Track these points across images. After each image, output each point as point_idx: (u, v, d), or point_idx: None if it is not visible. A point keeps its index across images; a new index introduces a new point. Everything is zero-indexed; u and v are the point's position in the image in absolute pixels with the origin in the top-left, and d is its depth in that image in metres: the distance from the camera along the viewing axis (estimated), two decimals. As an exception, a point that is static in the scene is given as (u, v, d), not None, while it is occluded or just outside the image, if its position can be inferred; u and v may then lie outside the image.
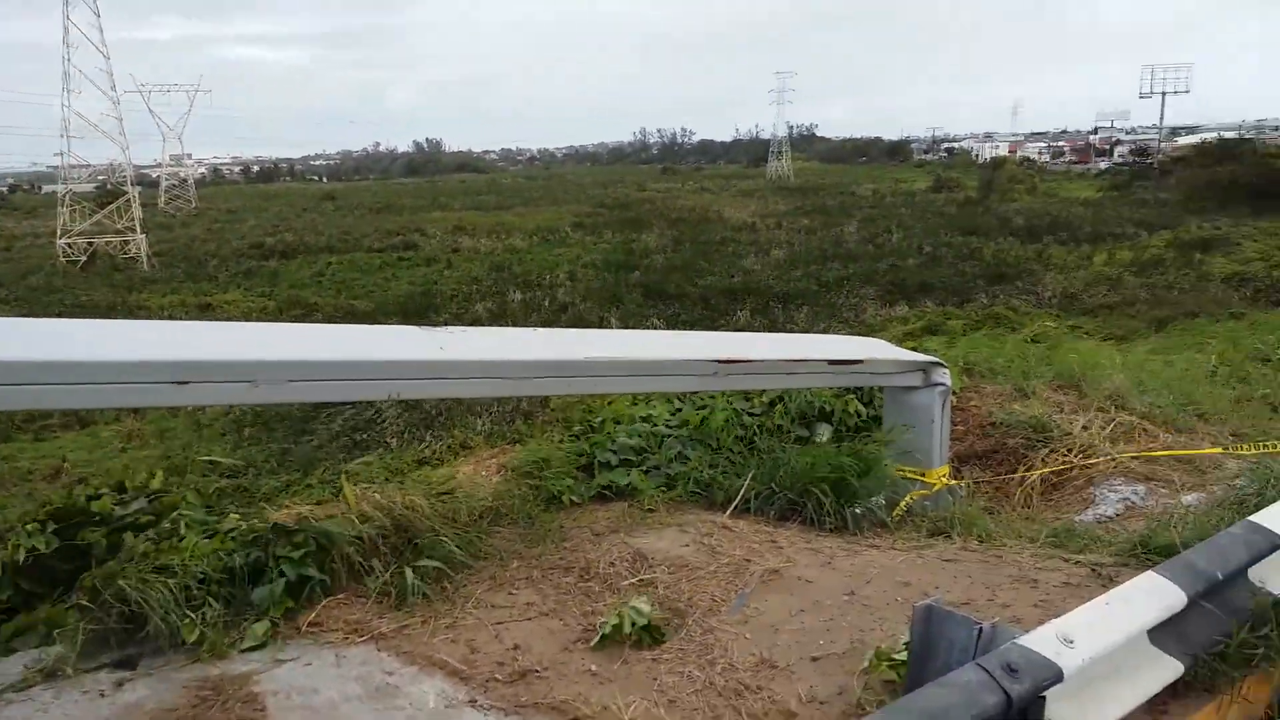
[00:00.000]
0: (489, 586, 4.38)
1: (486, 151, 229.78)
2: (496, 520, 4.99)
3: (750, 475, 5.53)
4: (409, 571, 4.26)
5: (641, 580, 4.44)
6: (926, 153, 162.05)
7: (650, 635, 3.99)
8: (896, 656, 3.57)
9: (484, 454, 6.40)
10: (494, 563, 4.61)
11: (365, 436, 15.60)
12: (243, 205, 74.97)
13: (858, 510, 5.52)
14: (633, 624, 3.89)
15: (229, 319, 27.29)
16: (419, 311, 27.21)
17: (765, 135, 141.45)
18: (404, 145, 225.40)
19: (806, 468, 5.46)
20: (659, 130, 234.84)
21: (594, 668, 3.81)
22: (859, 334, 10.47)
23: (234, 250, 45.14)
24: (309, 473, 9.96)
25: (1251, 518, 4.19)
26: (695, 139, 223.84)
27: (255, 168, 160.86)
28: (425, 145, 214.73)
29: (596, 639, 3.97)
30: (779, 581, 4.53)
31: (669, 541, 4.86)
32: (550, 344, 5.08)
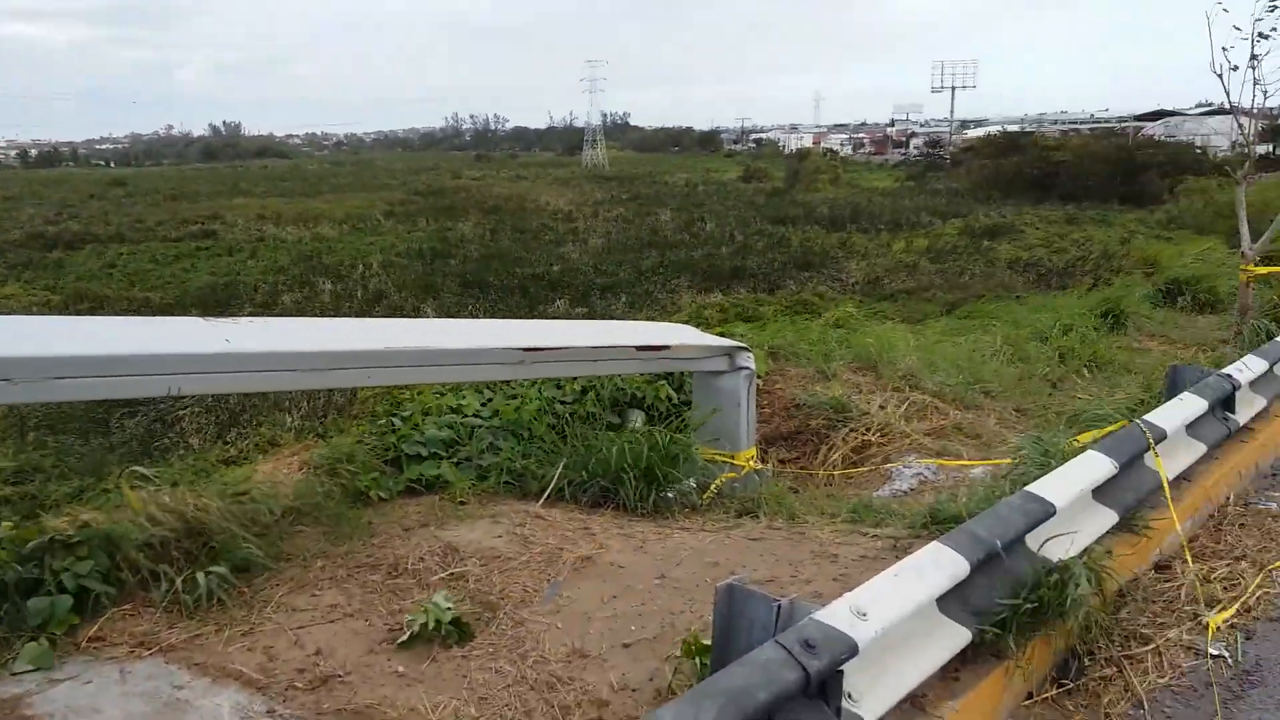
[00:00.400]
0: (290, 589, 4.19)
1: (290, 136, 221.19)
2: (299, 519, 4.79)
3: (563, 464, 5.51)
4: (202, 577, 4.02)
5: (452, 574, 4.35)
6: (736, 143, 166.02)
7: (460, 631, 3.91)
8: (705, 640, 3.62)
9: (287, 451, 6.13)
10: (296, 564, 4.41)
11: (166, 437, 14.73)
12: (20, 192, 69.32)
13: (670, 494, 5.59)
14: (438, 621, 3.81)
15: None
16: (220, 304, 25.87)
17: (579, 123, 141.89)
18: (199, 129, 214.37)
19: (618, 454, 5.48)
20: (472, 116, 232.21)
21: (401, 668, 3.71)
22: (679, 321, 10.64)
23: (11, 241, 41.64)
24: (102, 477, 9.31)
25: (1028, 487, 4.46)
26: (509, 126, 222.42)
27: (33, 151, 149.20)
28: (223, 129, 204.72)
29: (405, 638, 3.86)
30: (592, 568, 4.53)
31: (481, 533, 4.79)
32: (347, 334, 4.90)
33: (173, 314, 23.32)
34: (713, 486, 5.79)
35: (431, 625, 3.83)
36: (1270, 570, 5.17)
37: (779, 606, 3.23)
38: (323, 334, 4.84)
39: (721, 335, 7.52)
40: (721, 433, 6.13)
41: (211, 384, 4.18)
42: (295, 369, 4.24)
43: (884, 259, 31.82)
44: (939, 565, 3.69)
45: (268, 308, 25.80)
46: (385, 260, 34.36)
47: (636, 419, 6.91)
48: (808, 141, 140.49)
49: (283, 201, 57.08)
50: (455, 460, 5.78)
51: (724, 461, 6.06)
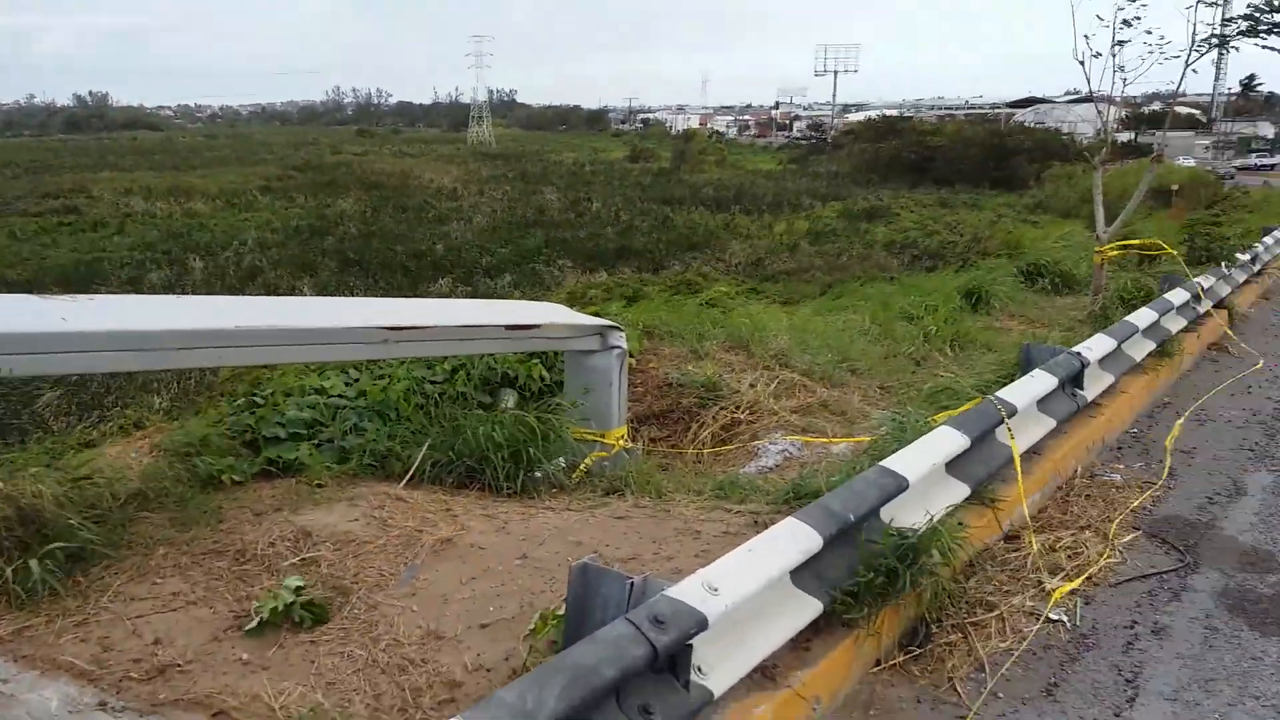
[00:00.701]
0: (130, 577, 4.03)
1: (161, 108, 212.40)
2: (144, 505, 4.61)
3: (427, 444, 5.43)
4: (35, 565, 3.84)
5: (304, 559, 4.25)
6: (624, 123, 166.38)
7: (312, 615, 3.83)
8: (561, 615, 3.61)
9: (138, 435, 5.89)
10: (138, 552, 4.25)
11: (21, 419, 14.01)
12: None
13: (538, 474, 5.57)
14: (286, 605, 3.72)
15: None
16: (83, 281, 24.72)
17: (465, 100, 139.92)
18: (63, 98, 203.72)
19: (485, 434, 5.43)
20: (354, 90, 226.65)
21: (246, 656, 3.61)
22: (563, 301, 10.61)
23: None
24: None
25: (882, 462, 4.59)
26: (393, 101, 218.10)
27: None
28: (89, 99, 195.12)
29: (252, 625, 3.76)
30: (451, 550, 4.48)
31: (337, 517, 4.69)
32: (199, 313, 4.72)
33: (29, 293, 22.16)
34: (582, 466, 5.79)
35: (281, 610, 3.74)
36: (1112, 539, 5.44)
37: (631, 584, 3.25)
38: (172, 312, 4.65)
39: (597, 315, 7.51)
40: (593, 412, 6.13)
41: (47, 365, 3.98)
42: (140, 349, 4.06)
43: (766, 240, 32.28)
44: (793, 539, 3.76)
45: (134, 286, 24.79)
46: (261, 237, 33.34)
47: (509, 399, 6.86)
48: (695, 122, 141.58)
49: (153, 175, 54.81)
50: (317, 442, 5.64)
51: (594, 440, 6.07)
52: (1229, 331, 10.71)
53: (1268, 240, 17.20)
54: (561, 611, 3.68)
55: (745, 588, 3.37)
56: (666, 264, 29.09)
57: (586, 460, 5.85)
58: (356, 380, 6.47)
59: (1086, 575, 4.98)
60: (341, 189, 47.59)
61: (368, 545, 4.41)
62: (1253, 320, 12.64)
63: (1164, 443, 7.19)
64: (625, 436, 6.31)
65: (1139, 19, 10.59)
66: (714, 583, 3.26)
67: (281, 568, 4.10)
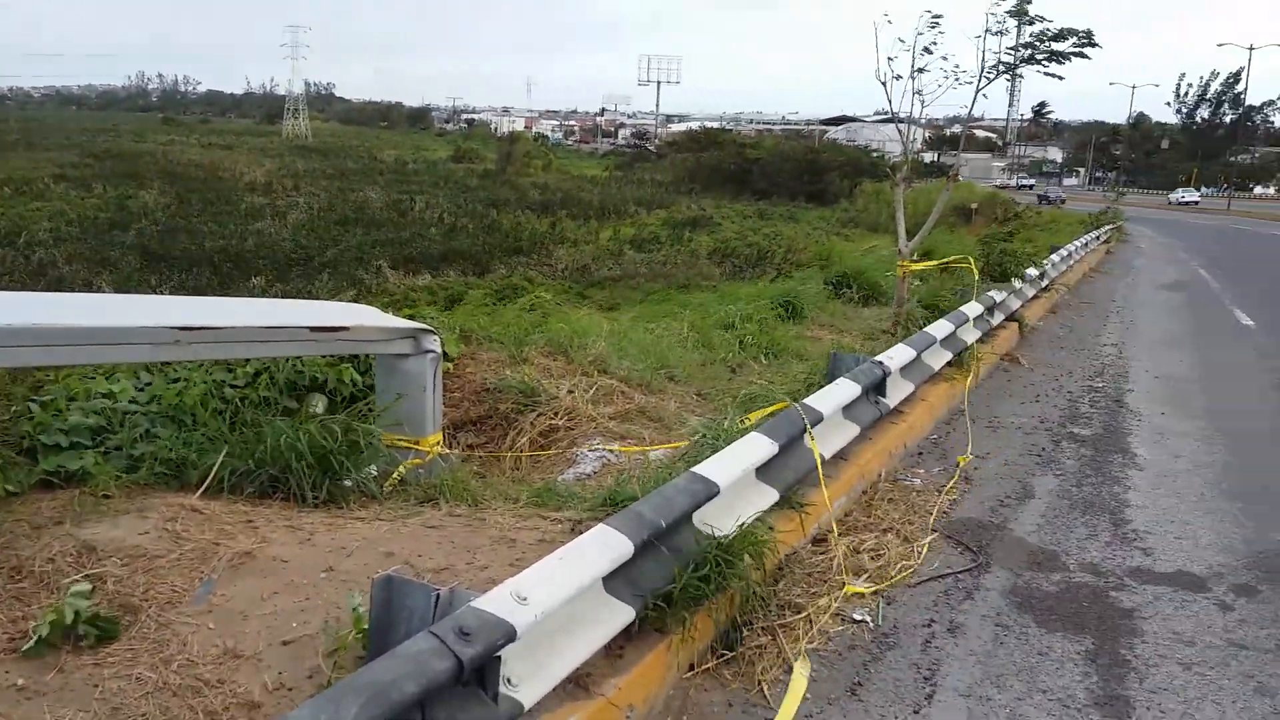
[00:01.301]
0: (-120, 603, 3.64)
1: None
2: (-100, 521, 4.18)
3: (225, 452, 5.14)
4: None
5: (88, 576, 3.94)
6: (448, 122, 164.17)
7: (99, 630, 3.55)
8: (360, 630, 3.48)
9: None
10: (-109, 574, 3.84)
11: None
12: None
13: (347, 483, 5.36)
14: (67, 625, 3.44)
15: None
16: None
17: (280, 91, 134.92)
18: None
19: (288, 441, 5.18)
20: (160, 76, 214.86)
21: (21, 681, 3.31)
22: (382, 303, 10.24)
23: None
24: None
25: (694, 468, 4.63)
26: (201, 89, 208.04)
27: None
28: None
29: (30, 644, 3.45)
30: (252, 564, 4.25)
31: (125, 530, 4.37)
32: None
33: None
34: (394, 474, 5.61)
35: (63, 625, 3.45)
36: (912, 541, 5.68)
37: (437, 595, 3.16)
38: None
39: (414, 318, 7.32)
40: (406, 417, 5.95)
41: None
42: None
43: (592, 246, 32.36)
44: (604, 546, 3.75)
45: (-99, 280, 22.64)
46: (54, 229, 31.04)
47: (317, 404, 6.59)
48: (520, 125, 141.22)
49: (-73, 159, 50.30)
50: (103, 450, 5.25)
51: (408, 447, 5.89)
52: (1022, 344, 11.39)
53: (1054, 258, 18.49)
54: (360, 629, 3.55)
55: (555, 596, 3.32)
56: (492, 267, 28.71)
57: (399, 468, 5.68)
58: (149, 384, 6.07)
59: (888, 577, 5.18)
60: (145, 179, 44.79)
61: (159, 560, 4.13)
62: (1041, 332, 13.54)
63: (960, 448, 7.58)
64: (441, 443, 6.16)
65: (936, 44, 11.14)
66: (523, 592, 3.21)
67: (63, 585, 3.78)
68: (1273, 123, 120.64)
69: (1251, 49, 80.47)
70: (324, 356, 6.51)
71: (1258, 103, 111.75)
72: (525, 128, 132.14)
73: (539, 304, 11.55)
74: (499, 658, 3.07)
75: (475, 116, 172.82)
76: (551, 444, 6.69)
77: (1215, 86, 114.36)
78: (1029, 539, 5.88)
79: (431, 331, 6.11)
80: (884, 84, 11.47)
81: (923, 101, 11.60)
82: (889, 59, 11.27)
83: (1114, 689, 4.18)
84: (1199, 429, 8.49)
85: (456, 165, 70.13)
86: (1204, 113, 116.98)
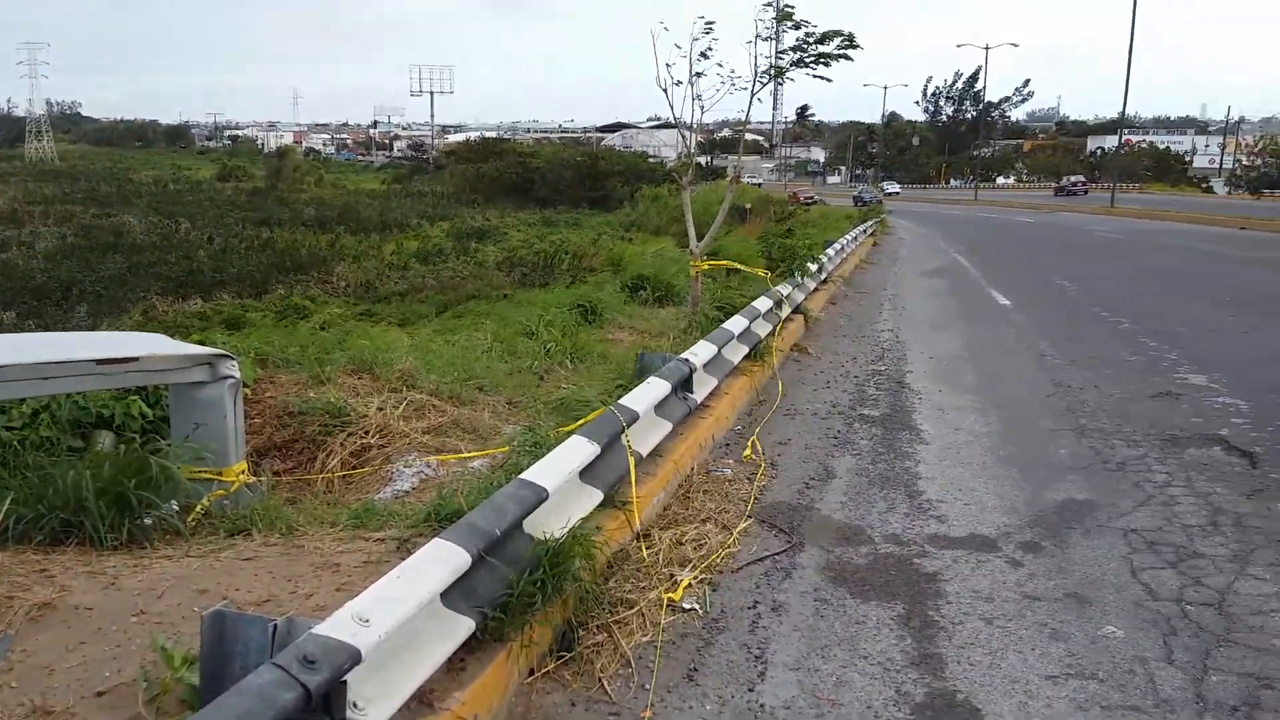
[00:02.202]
0: None
1: None
2: None
3: (10, 498, 4.74)
4: None
5: None
6: (210, 139, 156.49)
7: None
8: (188, 673, 3.30)
9: None
10: None
11: None
12: None
13: (147, 521, 5.05)
14: None
15: None
16: None
17: (19, 113, 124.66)
18: None
19: (75, 481, 4.83)
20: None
21: None
22: (155, 331, 9.60)
23: None
24: None
25: (521, 475, 4.64)
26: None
27: None
28: None
29: None
30: (53, 615, 3.95)
31: (-101, 594, 3.97)
32: None
33: None
34: (198, 507, 5.32)
35: None
36: (730, 528, 5.88)
37: (274, 626, 3.05)
38: None
39: (201, 343, 6.96)
40: (207, 448, 5.65)
41: None
42: None
43: (375, 261, 31.59)
44: (440, 560, 3.71)
45: None
46: None
47: (104, 441, 6.18)
48: (288, 140, 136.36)
49: None
50: None
51: (211, 479, 5.60)
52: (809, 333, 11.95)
53: (830, 252, 19.50)
54: (191, 664, 3.37)
55: (398, 615, 3.26)
56: (270, 288, 27.58)
57: (204, 501, 5.39)
58: (-91, 433, 5.53)
59: (712, 565, 5.35)
60: None
61: (-58, 622, 3.77)
62: (824, 322, 14.26)
63: (763, 437, 7.90)
64: (246, 472, 5.89)
65: (712, 50, 11.53)
66: (364, 614, 3.13)
67: None
68: (1009, 117, 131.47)
69: (988, 49, 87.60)
70: (110, 390, 6.10)
71: (996, 99, 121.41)
72: (294, 142, 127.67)
73: (333, 322, 11.21)
74: (345, 682, 2.99)
75: (239, 132, 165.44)
76: (365, 463, 6.52)
77: (958, 86, 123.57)
78: (835, 517, 6.20)
79: (228, 356, 5.83)
80: (665, 90, 11.77)
81: (702, 107, 11.99)
82: (667, 65, 11.57)
83: (927, 648, 4.47)
84: (974, 403, 9.17)
85: (223, 184, 66.99)
86: (949, 110, 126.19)
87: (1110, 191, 65.54)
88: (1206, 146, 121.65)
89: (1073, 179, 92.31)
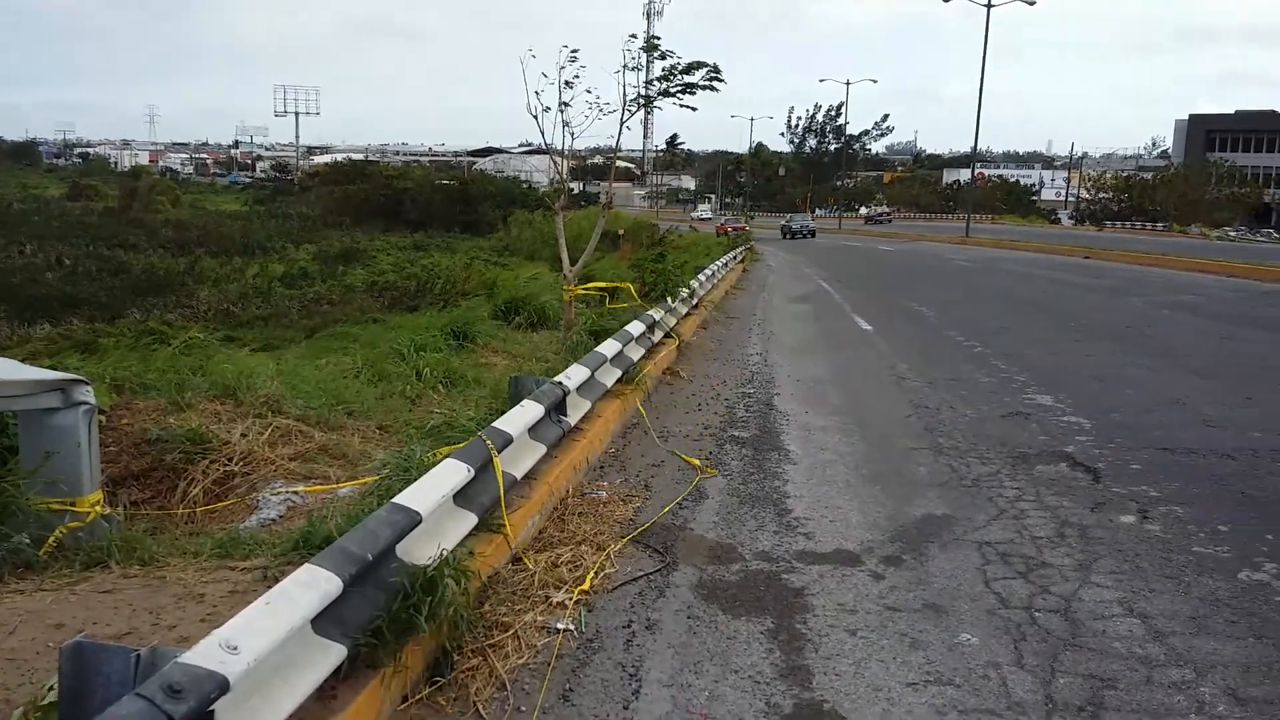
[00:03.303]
0: None
1: None
2: None
3: None
4: None
5: None
6: (58, 157, 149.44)
7: None
8: (43, 706, 3.17)
9: None
10: None
11: None
12: None
13: (-5, 555, 4.81)
14: None
15: None
16: None
17: None
18: None
19: (-80, 515, 4.58)
20: None
21: None
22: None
23: None
24: None
25: (394, 499, 4.61)
26: None
27: None
28: None
29: None
30: (-110, 656, 3.73)
31: None
32: None
33: None
34: (51, 539, 5.09)
35: None
36: (605, 549, 5.94)
37: (137, 656, 2.96)
38: None
39: (54, 368, 6.66)
40: (60, 477, 5.41)
41: None
42: None
43: (236, 285, 30.67)
44: (311, 586, 3.65)
45: None
46: None
47: (-55, 472, 5.84)
48: (143, 159, 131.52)
49: None
50: None
51: (64, 510, 5.36)
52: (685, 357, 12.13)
53: (701, 277, 19.86)
54: (48, 702, 3.24)
55: (267, 642, 3.20)
56: (124, 312, 26.47)
57: (56, 532, 5.16)
58: None
59: (586, 585, 5.39)
60: None
61: None
62: (695, 346, 14.50)
63: (636, 460, 8.01)
64: (102, 502, 5.66)
65: (578, 78, 11.67)
66: (233, 641, 3.07)
67: None
68: (870, 150, 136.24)
69: (849, 84, 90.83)
70: (-50, 418, 5.78)
71: (856, 132, 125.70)
72: (150, 161, 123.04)
73: (194, 346, 10.85)
74: (212, 712, 2.92)
75: (91, 151, 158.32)
76: (229, 492, 6.34)
77: (820, 118, 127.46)
78: (708, 536, 6.32)
79: (83, 382, 5.60)
80: (535, 117, 11.86)
81: (572, 134, 12.12)
82: (536, 93, 11.66)
83: (795, 660, 4.61)
84: (838, 424, 9.48)
85: (74, 203, 63.97)
86: (812, 142, 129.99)
87: (965, 222, 68.53)
88: (1053, 180, 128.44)
89: (878, 210, 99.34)
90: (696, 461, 7.89)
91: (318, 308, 25.38)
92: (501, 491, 5.71)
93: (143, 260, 35.78)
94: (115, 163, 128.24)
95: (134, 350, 13.31)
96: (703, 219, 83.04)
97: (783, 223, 70.85)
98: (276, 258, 38.45)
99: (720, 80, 12.76)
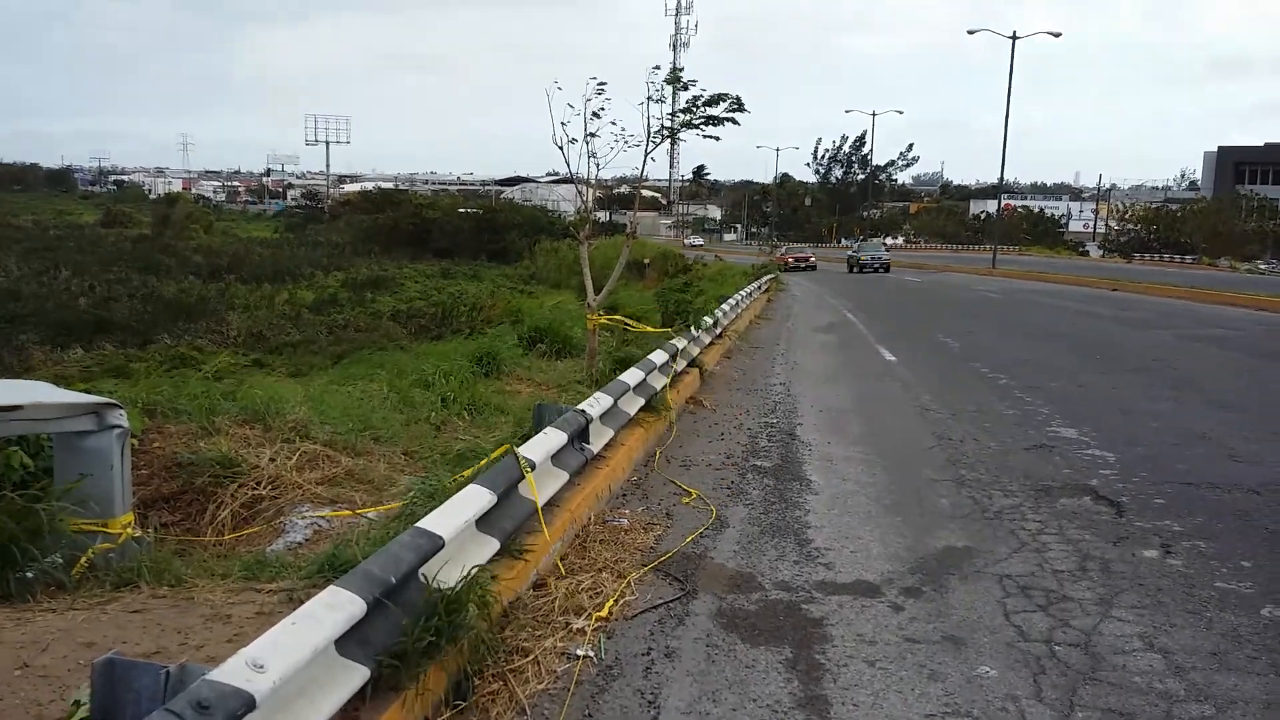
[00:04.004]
0: None
1: None
2: None
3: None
4: None
5: None
6: (93, 184, 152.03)
7: None
8: (78, 722, 3.25)
9: None
10: None
11: None
12: None
13: (29, 574, 4.92)
14: None
15: None
16: None
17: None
18: None
19: (-43, 534, 4.70)
20: None
21: None
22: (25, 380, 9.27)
23: None
24: None
25: (418, 524, 4.68)
26: None
27: None
28: None
29: None
30: (-73, 672, 3.83)
31: None
32: None
33: None
34: (83, 560, 5.20)
35: None
36: (625, 577, 5.98)
37: (167, 673, 3.04)
38: None
39: (88, 392, 6.81)
40: (92, 499, 5.53)
41: None
42: None
43: (266, 311, 31.01)
44: (336, 607, 3.72)
45: None
46: None
47: (-19, 492, 5.97)
48: (177, 186, 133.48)
49: None
50: None
51: (97, 531, 5.47)
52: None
53: (725, 307, 19.93)
54: (79, 717, 3.32)
55: (292, 661, 3.28)
56: (155, 337, 26.80)
57: (89, 553, 5.27)
58: None
59: (605, 613, 5.44)
60: None
61: None
62: (719, 376, 14.56)
63: (658, 489, 8.06)
64: (133, 524, 5.77)
65: (604, 109, 11.80)
66: (259, 660, 3.14)
67: None
68: (896, 180, 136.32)
69: (874, 115, 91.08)
70: (-12, 440, 5.91)
71: (882, 162, 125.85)
72: (184, 189, 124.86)
73: (225, 371, 11.01)
74: (239, 729, 2.99)
75: (126, 178, 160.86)
76: (256, 515, 6.44)
77: (845, 149, 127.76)
78: (728, 565, 6.35)
79: (116, 405, 5.73)
80: (561, 148, 12.00)
81: (598, 164, 12.26)
82: (563, 124, 11.80)
83: (813, 690, 4.63)
84: (860, 454, 9.49)
85: (107, 230, 64.96)
86: (838, 172, 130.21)
87: (992, 253, 68.36)
88: (1081, 211, 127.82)
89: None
90: (695, 492, 7.90)
91: (345, 334, 25.63)
92: (541, 518, 5.78)
93: (174, 286, 36.26)
94: (149, 190, 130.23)
95: (165, 375, 13.53)
96: (694, 245, 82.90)
97: (849, 253, 61.18)
98: (306, 284, 38.87)
99: (743, 111, 12.86)
